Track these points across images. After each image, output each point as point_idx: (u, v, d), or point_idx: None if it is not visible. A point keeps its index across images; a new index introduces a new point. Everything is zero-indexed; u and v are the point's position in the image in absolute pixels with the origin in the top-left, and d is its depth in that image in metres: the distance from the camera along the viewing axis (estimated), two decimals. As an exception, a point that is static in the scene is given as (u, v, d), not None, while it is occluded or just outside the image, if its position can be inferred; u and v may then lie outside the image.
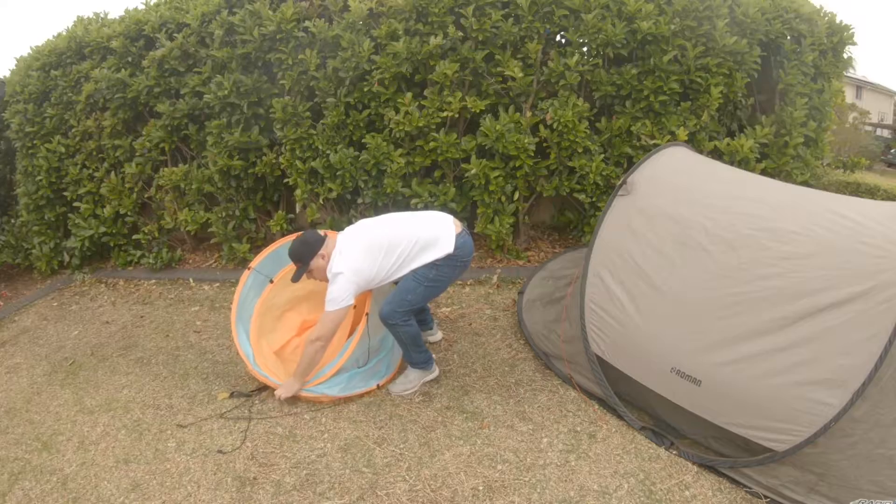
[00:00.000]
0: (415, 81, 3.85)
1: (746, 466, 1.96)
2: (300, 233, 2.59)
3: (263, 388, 2.73)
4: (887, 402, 1.71)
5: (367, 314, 2.60)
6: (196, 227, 4.50)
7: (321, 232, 2.54)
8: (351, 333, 2.71)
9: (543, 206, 4.44)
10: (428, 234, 2.41)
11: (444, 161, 3.85)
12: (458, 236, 2.42)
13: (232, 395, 2.73)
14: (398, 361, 2.82)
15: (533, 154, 3.72)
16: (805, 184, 3.61)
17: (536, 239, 4.38)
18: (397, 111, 3.76)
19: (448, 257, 2.38)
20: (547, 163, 3.82)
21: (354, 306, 2.54)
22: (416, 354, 2.56)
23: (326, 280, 2.42)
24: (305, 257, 2.44)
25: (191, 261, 4.80)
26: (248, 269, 2.87)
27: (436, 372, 2.69)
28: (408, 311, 2.43)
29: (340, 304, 2.32)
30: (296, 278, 2.51)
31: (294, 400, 2.60)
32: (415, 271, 2.40)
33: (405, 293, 2.40)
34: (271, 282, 2.92)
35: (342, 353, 2.56)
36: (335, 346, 2.59)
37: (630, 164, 3.66)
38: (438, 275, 2.40)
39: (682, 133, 3.52)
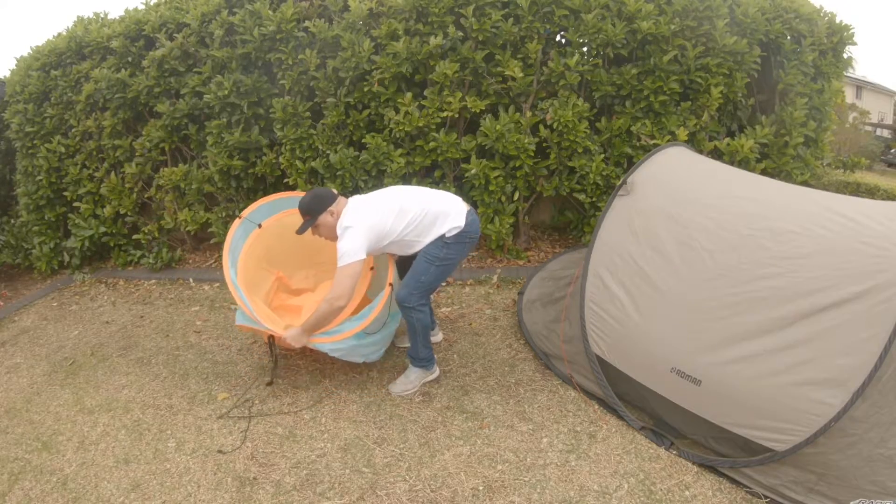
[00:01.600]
0: (415, 81, 3.85)
1: (746, 466, 1.96)
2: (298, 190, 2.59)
3: (269, 382, 2.75)
4: (886, 401, 1.71)
5: (390, 284, 2.62)
6: (196, 227, 4.50)
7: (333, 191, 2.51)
8: (354, 311, 2.67)
9: (543, 206, 4.44)
10: (438, 207, 2.43)
11: (444, 161, 3.85)
12: (469, 213, 2.46)
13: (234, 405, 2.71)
14: (388, 344, 2.80)
15: (533, 154, 3.72)
16: (805, 184, 3.61)
17: (536, 239, 4.38)
18: (397, 111, 3.76)
19: (458, 235, 2.40)
20: (547, 163, 3.82)
21: (372, 265, 2.47)
22: (423, 349, 2.57)
23: (332, 238, 2.41)
24: (315, 211, 2.40)
25: (191, 261, 4.80)
26: (240, 217, 2.79)
27: (436, 372, 2.69)
28: (423, 294, 2.45)
29: (353, 258, 2.26)
30: (301, 231, 2.48)
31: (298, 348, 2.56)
32: (426, 252, 2.41)
33: (419, 275, 2.42)
34: (259, 226, 2.86)
35: (362, 318, 2.53)
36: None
37: (630, 164, 3.66)
38: (449, 253, 2.42)
39: (682, 133, 3.52)
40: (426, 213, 2.39)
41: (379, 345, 2.72)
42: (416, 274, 2.43)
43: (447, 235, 2.39)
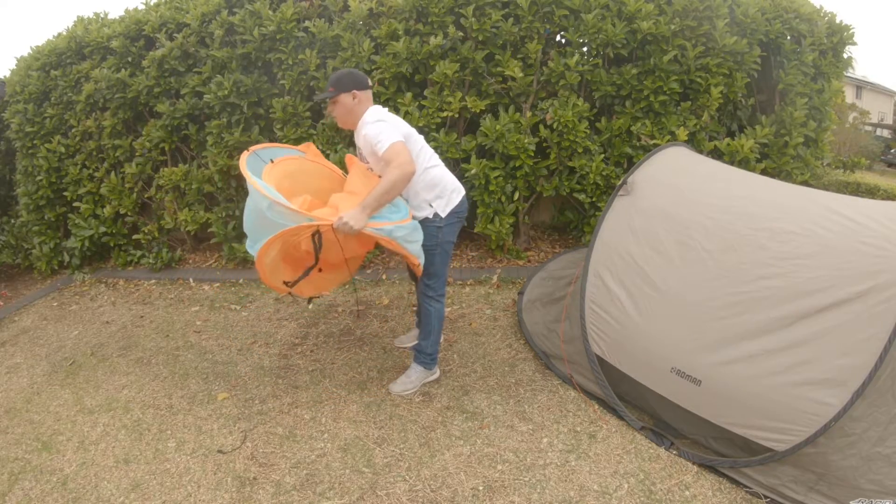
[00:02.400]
0: (415, 81, 3.85)
1: (746, 466, 1.96)
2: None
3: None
4: (884, 400, 1.71)
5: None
6: (196, 227, 4.50)
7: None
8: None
9: (543, 206, 4.44)
10: (446, 172, 2.49)
11: (444, 161, 3.83)
12: (463, 195, 2.54)
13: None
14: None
15: (533, 154, 3.72)
16: (805, 184, 3.61)
17: (536, 239, 4.38)
18: (397, 111, 3.76)
19: (450, 214, 2.43)
20: (547, 163, 3.82)
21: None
22: (433, 345, 2.59)
23: (343, 122, 2.41)
24: (341, 85, 2.34)
25: (191, 261, 4.80)
26: (248, 150, 2.63)
27: (437, 373, 2.70)
28: (440, 283, 2.52)
29: (393, 139, 2.18)
30: (318, 98, 2.49)
31: (351, 241, 2.34)
32: (425, 243, 2.41)
33: (427, 266, 2.48)
34: (271, 161, 2.72)
35: (404, 214, 2.36)
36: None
37: (630, 164, 3.66)
38: (445, 236, 2.47)
39: (682, 133, 3.52)
40: (434, 171, 2.43)
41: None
42: (425, 266, 2.48)
43: (441, 216, 2.41)
